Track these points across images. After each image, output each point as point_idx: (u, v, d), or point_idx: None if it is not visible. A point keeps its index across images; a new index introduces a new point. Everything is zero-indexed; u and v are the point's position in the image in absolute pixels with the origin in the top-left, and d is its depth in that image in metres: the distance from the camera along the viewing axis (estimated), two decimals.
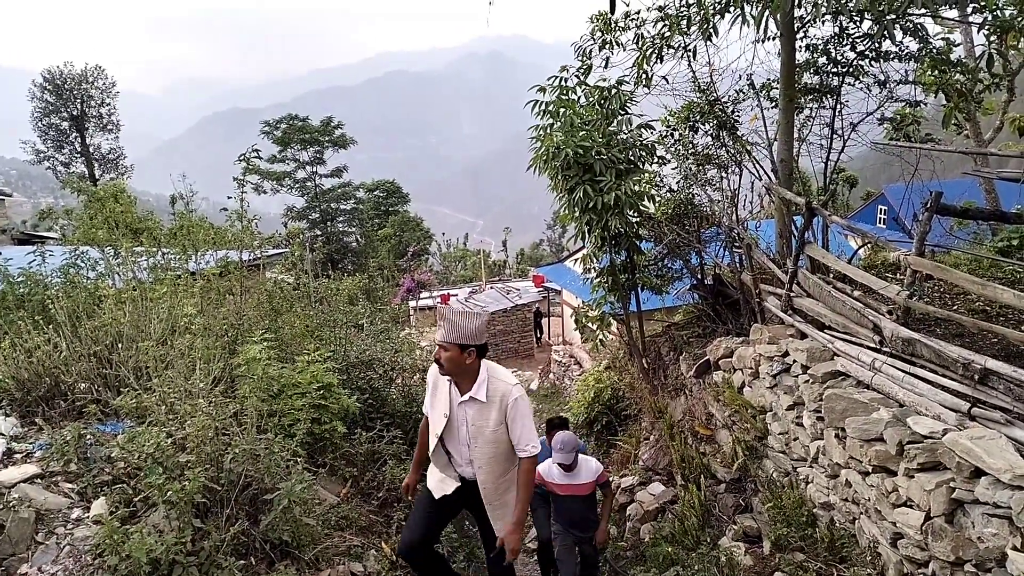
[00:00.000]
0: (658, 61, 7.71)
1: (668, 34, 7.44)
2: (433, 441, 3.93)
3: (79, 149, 35.15)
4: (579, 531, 5.50)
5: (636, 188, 7.29)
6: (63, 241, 11.16)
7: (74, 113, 34.67)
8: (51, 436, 4.36)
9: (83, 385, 4.92)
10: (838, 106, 7.80)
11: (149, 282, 6.51)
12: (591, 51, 8.00)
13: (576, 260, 14.23)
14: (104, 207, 11.30)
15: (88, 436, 4.29)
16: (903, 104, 7.88)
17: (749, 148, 8.02)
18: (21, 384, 4.81)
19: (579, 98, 7.74)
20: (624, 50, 7.98)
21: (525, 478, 3.87)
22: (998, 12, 6.35)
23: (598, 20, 7.99)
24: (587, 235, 7.48)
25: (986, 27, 6.54)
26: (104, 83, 35.76)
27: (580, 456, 5.33)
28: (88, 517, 3.71)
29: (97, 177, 33.59)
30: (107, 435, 4.39)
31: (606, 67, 8.02)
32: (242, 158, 6.48)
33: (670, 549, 5.81)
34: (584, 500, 5.44)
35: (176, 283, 6.14)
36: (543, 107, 7.65)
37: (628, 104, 7.65)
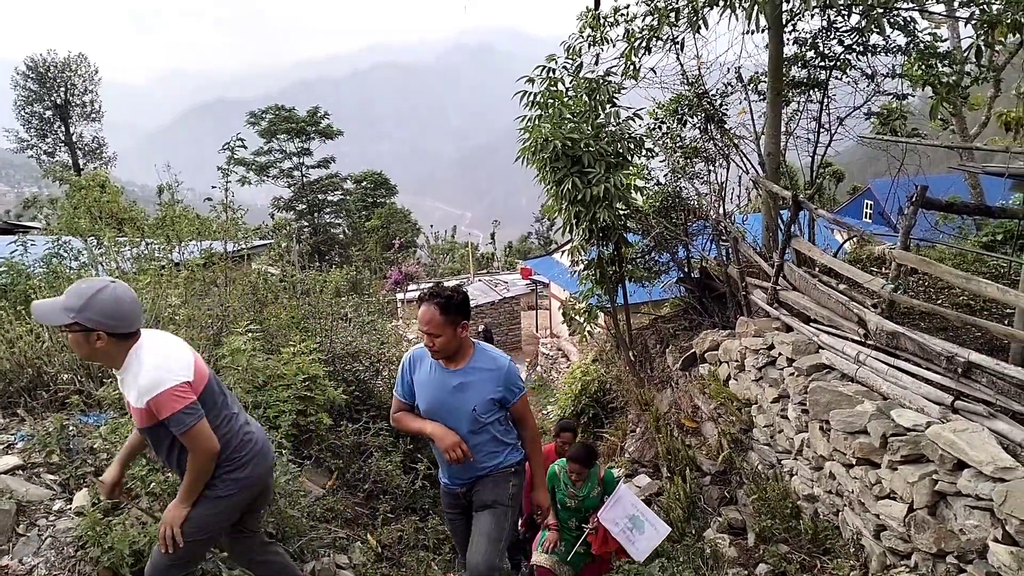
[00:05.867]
0: (646, 53, 7.69)
1: (656, 26, 7.42)
2: None
3: (63, 138, 34.80)
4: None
5: (625, 180, 7.27)
6: (46, 231, 11.04)
7: (57, 101, 34.31)
8: (33, 427, 4.32)
9: (66, 376, 4.88)
10: (825, 100, 7.84)
11: (132, 272, 6.45)
12: (580, 49, 7.96)
13: (564, 253, 14.24)
14: (87, 196, 11.17)
15: (71, 427, 4.27)
16: (890, 98, 7.92)
17: (737, 141, 8.03)
18: (3, 375, 4.76)
19: (567, 89, 7.70)
20: (613, 46, 7.95)
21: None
22: (985, 6, 6.38)
23: (586, 16, 7.95)
24: (575, 227, 7.45)
25: (973, 21, 6.57)
26: (87, 71, 35.47)
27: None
28: (70, 509, 3.68)
29: (81, 166, 33.28)
30: (90, 426, 4.36)
31: (596, 63, 7.99)
32: (226, 147, 6.43)
33: None
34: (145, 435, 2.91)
35: (160, 273, 6.09)
36: (531, 98, 7.61)
37: (616, 96, 7.62)
